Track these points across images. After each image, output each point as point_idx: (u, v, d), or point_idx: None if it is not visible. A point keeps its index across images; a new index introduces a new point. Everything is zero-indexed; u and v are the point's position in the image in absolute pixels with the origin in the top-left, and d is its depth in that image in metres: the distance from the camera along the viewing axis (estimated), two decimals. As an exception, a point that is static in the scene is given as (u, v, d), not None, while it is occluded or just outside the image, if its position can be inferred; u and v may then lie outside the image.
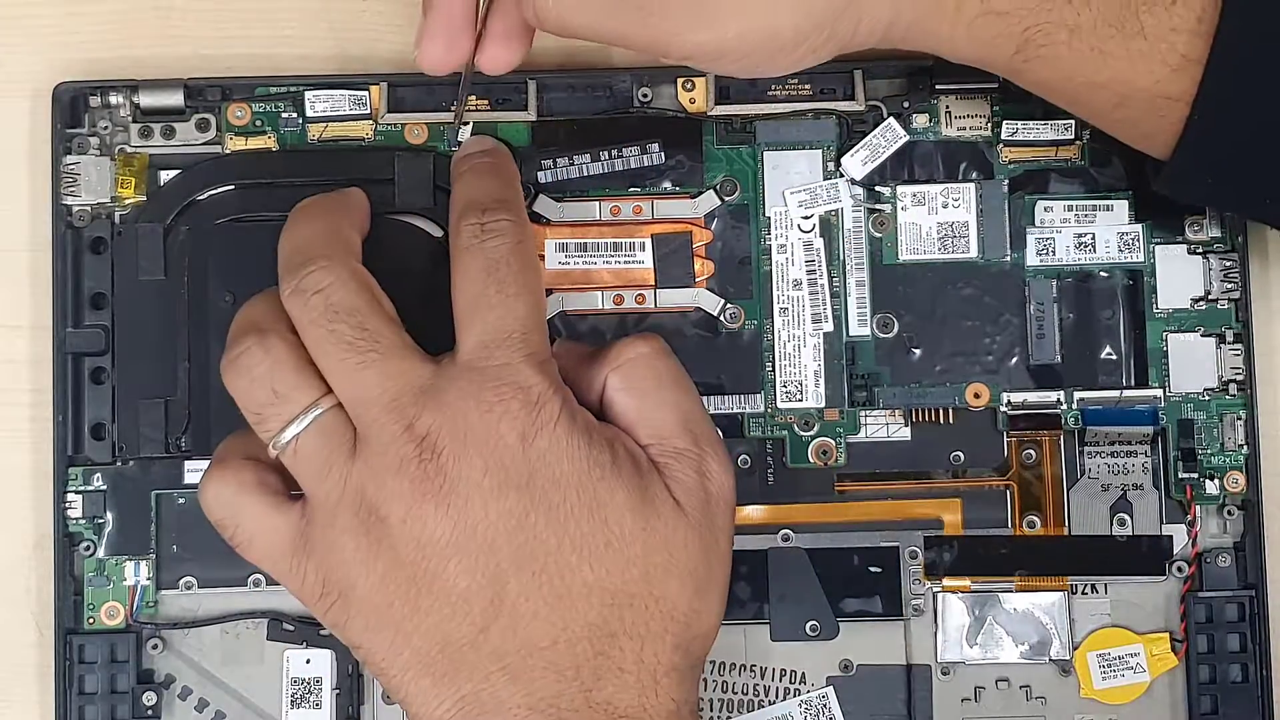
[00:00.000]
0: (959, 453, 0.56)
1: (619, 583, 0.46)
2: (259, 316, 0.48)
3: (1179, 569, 0.56)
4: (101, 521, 0.55)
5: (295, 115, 0.56)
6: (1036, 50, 0.49)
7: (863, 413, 0.56)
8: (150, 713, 0.55)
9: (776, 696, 0.55)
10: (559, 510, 0.45)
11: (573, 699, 0.45)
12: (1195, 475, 0.55)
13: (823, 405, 0.55)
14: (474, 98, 0.56)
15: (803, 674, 0.55)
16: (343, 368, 0.46)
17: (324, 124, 0.56)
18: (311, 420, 0.46)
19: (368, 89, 0.56)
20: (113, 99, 0.56)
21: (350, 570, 0.46)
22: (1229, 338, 0.56)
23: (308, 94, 0.56)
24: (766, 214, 0.56)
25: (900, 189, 0.56)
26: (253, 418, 0.47)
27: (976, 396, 0.55)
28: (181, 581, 0.55)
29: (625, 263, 0.56)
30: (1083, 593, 0.56)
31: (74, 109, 0.56)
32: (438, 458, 0.45)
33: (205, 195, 0.55)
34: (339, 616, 0.46)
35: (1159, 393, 0.55)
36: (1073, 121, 0.56)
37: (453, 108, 0.55)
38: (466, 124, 0.55)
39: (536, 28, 0.49)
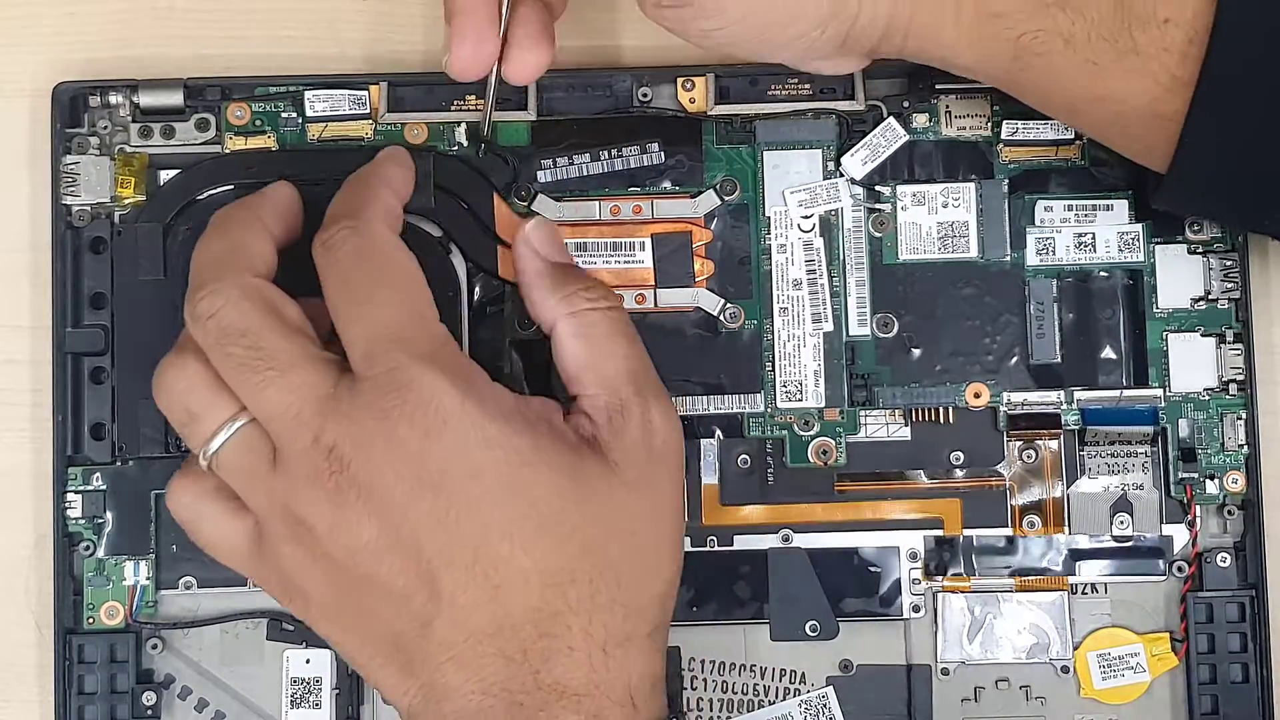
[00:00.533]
0: (959, 453, 0.56)
1: (557, 562, 0.46)
2: (182, 336, 0.49)
3: (1179, 569, 0.56)
4: (101, 521, 0.55)
5: (295, 115, 0.56)
6: (1033, 58, 0.49)
7: (863, 412, 0.56)
8: (150, 713, 0.55)
9: (776, 696, 0.55)
10: (480, 502, 0.45)
11: (523, 681, 0.45)
12: (1195, 475, 0.55)
13: (823, 405, 0.55)
14: (474, 98, 0.56)
15: (803, 674, 0.55)
16: (244, 388, 0.47)
17: (324, 124, 0.56)
18: (228, 437, 0.47)
19: (368, 89, 0.56)
20: (113, 99, 0.56)
21: (296, 576, 0.47)
22: (1229, 337, 0.56)
23: (308, 94, 0.56)
24: (766, 214, 0.56)
25: (900, 189, 0.56)
26: (180, 434, 0.49)
27: (976, 396, 0.55)
28: (181, 581, 0.55)
29: (625, 262, 0.56)
30: (1083, 593, 0.56)
31: (74, 109, 0.56)
32: (347, 468, 0.45)
33: (205, 195, 0.55)
34: (304, 614, 0.48)
35: (1159, 393, 0.55)
36: (1073, 121, 0.56)
37: (478, 103, 0.55)
38: (489, 134, 0.55)
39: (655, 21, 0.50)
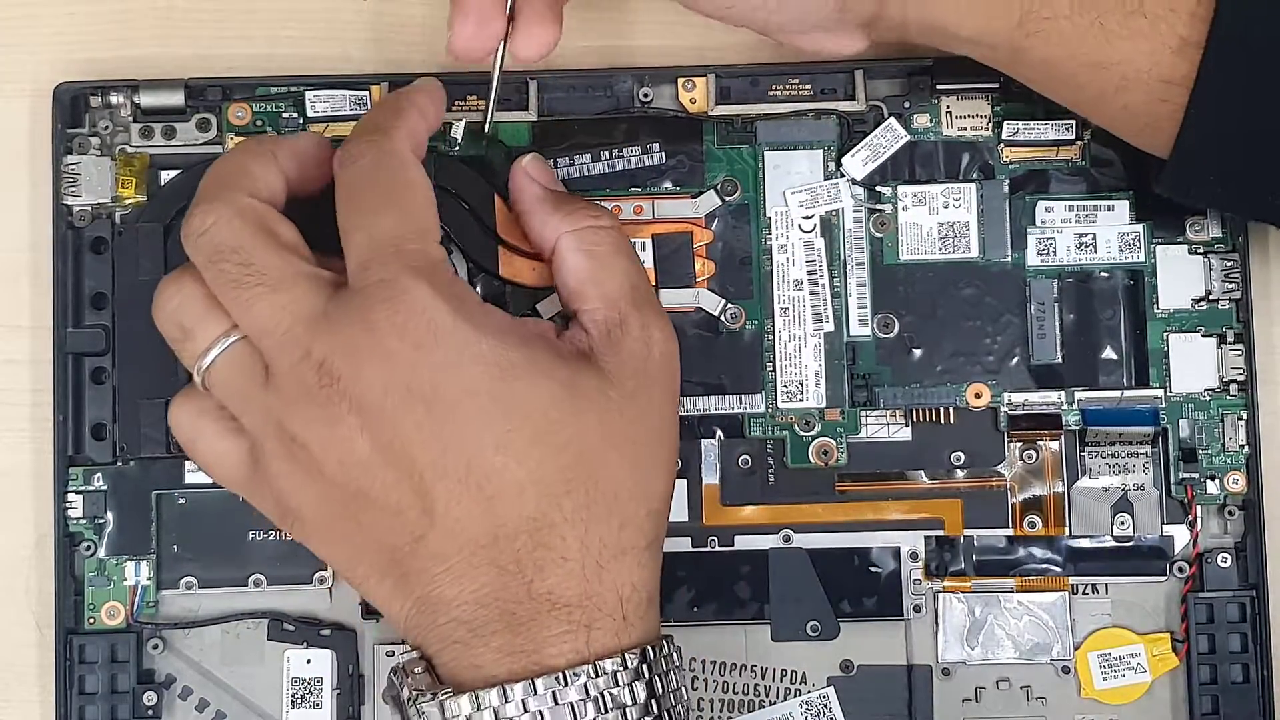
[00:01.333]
0: (959, 453, 0.56)
1: (552, 472, 0.46)
2: (182, 259, 0.49)
3: (1180, 569, 0.56)
4: (102, 521, 0.55)
5: (295, 115, 0.56)
6: (1039, 23, 0.49)
7: (863, 413, 0.56)
8: (150, 713, 0.55)
9: (777, 696, 0.55)
10: (474, 416, 0.45)
11: (516, 591, 0.45)
12: (1196, 475, 0.55)
13: (823, 405, 0.55)
14: (474, 98, 0.56)
15: (803, 674, 0.55)
16: (236, 304, 0.47)
17: (324, 124, 0.56)
18: (219, 353, 0.47)
19: (368, 89, 0.56)
20: (113, 99, 0.56)
21: (291, 495, 0.47)
22: (1229, 338, 0.56)
23: (308, 94, 0.56)
24: (767, 214, 0.56)
25: (901, 189, 0.56)
26: (176, 352, 0.49)
27: (977, 396, 0.55)
28: (182, 581, 0.55)
29: (626, 263, 0.55)
30: (1083, 593, 0.56)
31: (74, 109, 0.56)
32: (338, 381, 0.45)
33: (206, 195, 0.55)
34: (300, 534, 0.48)
35: (1159, 393, 0.55)
36: (1074, 121, 0.56)
37: (478, 103, 0.55)
38: (464, 117, 0.55)
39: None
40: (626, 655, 0.46)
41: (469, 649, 0.46)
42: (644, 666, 0.46)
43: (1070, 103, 0.52)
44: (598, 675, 0.45)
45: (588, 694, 0.45)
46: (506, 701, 0.45)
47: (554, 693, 0.45)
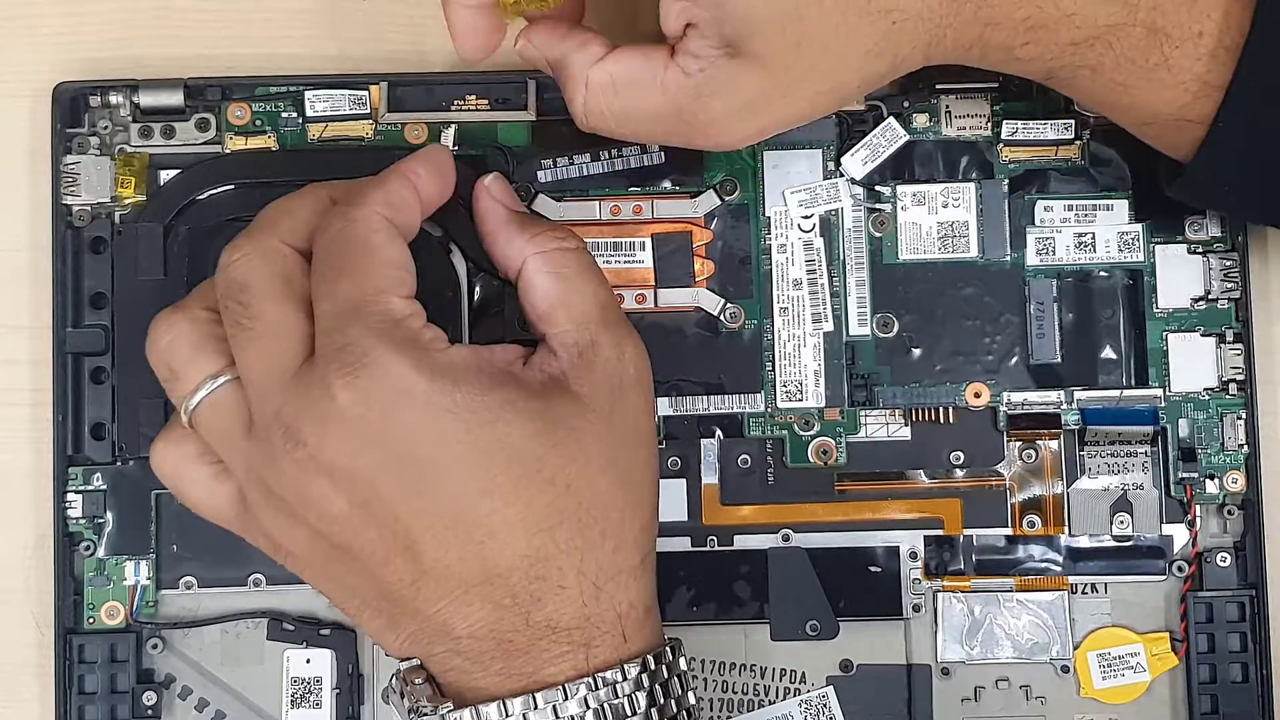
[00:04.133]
0: (959, 453, 0.56)
1: (541, 507, 0.45)
2: (187, 297, 0.49)
3: (1179, 568, 0.56)
4: (101, 521, 0.55)
5: (295, 115, 0.56)
6: (1062, 83, 0.50)
7: (863, 412, 0.56)
8: (150, 712, 0.55)
9: (776, 696, 0.55)
10: (454, 467, 0.45)
11: (513, 623, 0.45)
12: (1195, 475, 0.55)
13: (823, 405, 0.55)
14: (474, 98, 0.56)
15: (803, 674, 0.55)
16: (233, 344, 0.47)
17: (324, 124, 0.56)
18: (205, 395, 0.47)
19: (368, 89, 0.56)
20: (113, 99, 0.56)
21: (280, 537, 0.47)
22: (1229, 337, 0.56)
23: (308, 94, 0.56)
24: (766, 214, 0.56)
25: (900, 188, 0.56)
26: (165, 390, 0.49)
27: (976, 396, 0.55)
28: (181, 581, 0.55)
29: (625, 262, 0.56)
30: (1083, 593, 0.56)
31: (74, 109, 0.56)
32: (305, 445, 0.45)
33: (205, 195, 0.55)
34: (293, 569, 0.48)
35: (1159, 392, 0.55)
36: (1073, 121, 0.56)
37: (479, 103, 0.55)
38: (463, 118, 0.55)
39: (585, 130, 0.51)
40: (626, 666, 0.46)
41: (467, 674, 0.46)
42: (644, 675, 0.46)
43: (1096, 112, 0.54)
44: (598, 687, 0.45)
45: (588, 706, 0.45)
46: (507, 716, 0.45)
47: (554, 706, 0.45)
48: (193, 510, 0.49)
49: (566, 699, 0.45)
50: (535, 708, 0.45)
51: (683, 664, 0.48)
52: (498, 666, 0.46)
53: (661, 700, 0.46)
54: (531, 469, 0.45)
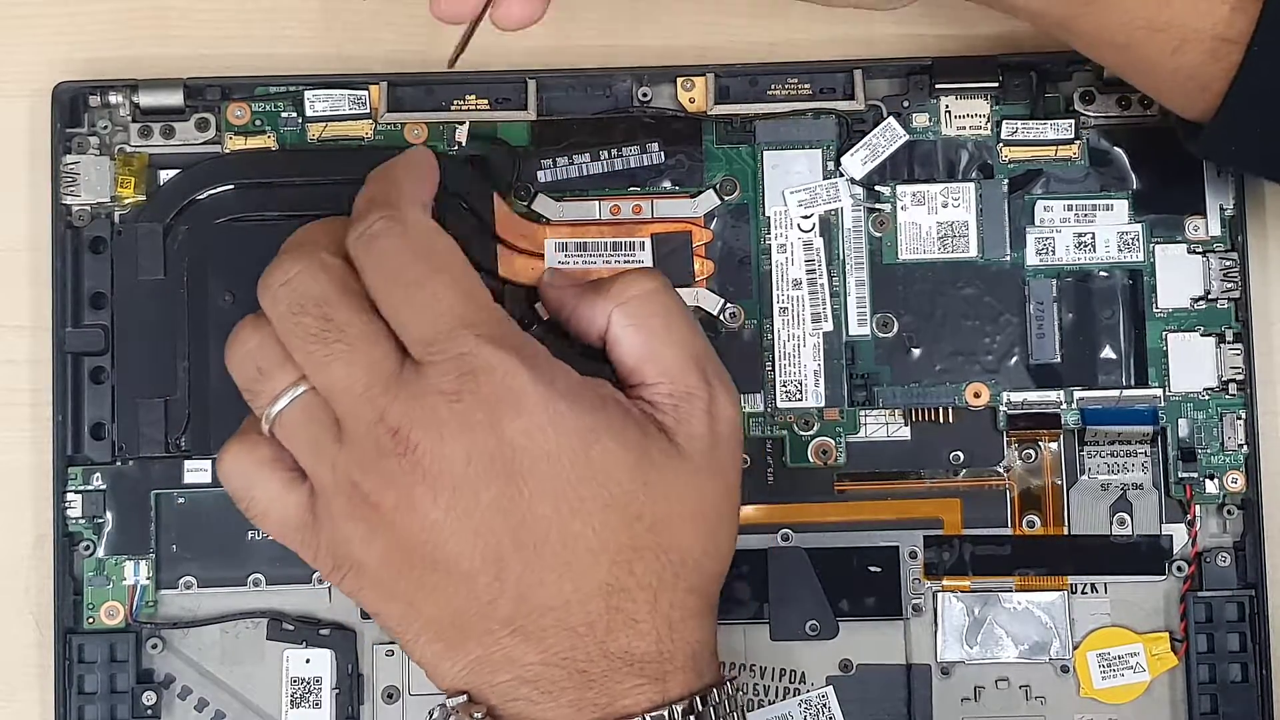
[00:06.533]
0: (959, 453, 0.56)
1: (625, 539, 0.45)
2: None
3: (1179, 569, 0.56)
4: (101, 521, 0.55)
5: (295, 115, 0.56)
6: (1101, 6, 0.49)
7: (862, 412, 0.56)
8: (150, 712, 0.55)
9: (776, 696, 0.55)
10: (552, 482, 0.45)
11: (588, 650, 0.45)
12: (1195, 475, 0.55)
13: (822, 405, 0.55)
14: (473, 97, 0.56)
15: (803, 674, 0.55)
16: (311, 360, 0.46)
17: (323, 124, 0.56)
18: (293, 399, 0.46)
19: (367, 89, 0.56)
20: (113, 99, 0.56)
21: (353, 549, 0.46)
22: (1229, 337, 0.56)
23: (307, 94, 0.56)
24: (766, 213, 0.56)
25: (900, 188, 0.56)
26: (245, 395, 0.47)
27: (976, 396, 0.55)
28: (181, 581, 0.55)
29: (625, 262, 0.56)
30: (1082, 592, 0.56)
31: (74, 109, 0.56)
32: (415, 450, 0.45)
33: (205, 195, 0.55)
34: (353, 587, 0.47)
35: (1159, 392, 0.55)
36: (1072, 121, 0.56)
37: (479, 103, 0.55)
38: (463, 118, 0.55)
39: None
40: (704, 696, 0.45)
41: (535, 704, 0.45)
42: (717, 709, 0.46)
43: (1119, 67, 0.52)
44: (678, 718, 0.45)
45: None
46: None
47: None
48: (253, 518, 0.48)
49: None
50: None
51: (740, 698, 0.48)
52: (569, 697, 0.45)
53: None
54: (621, 500, 0.45)
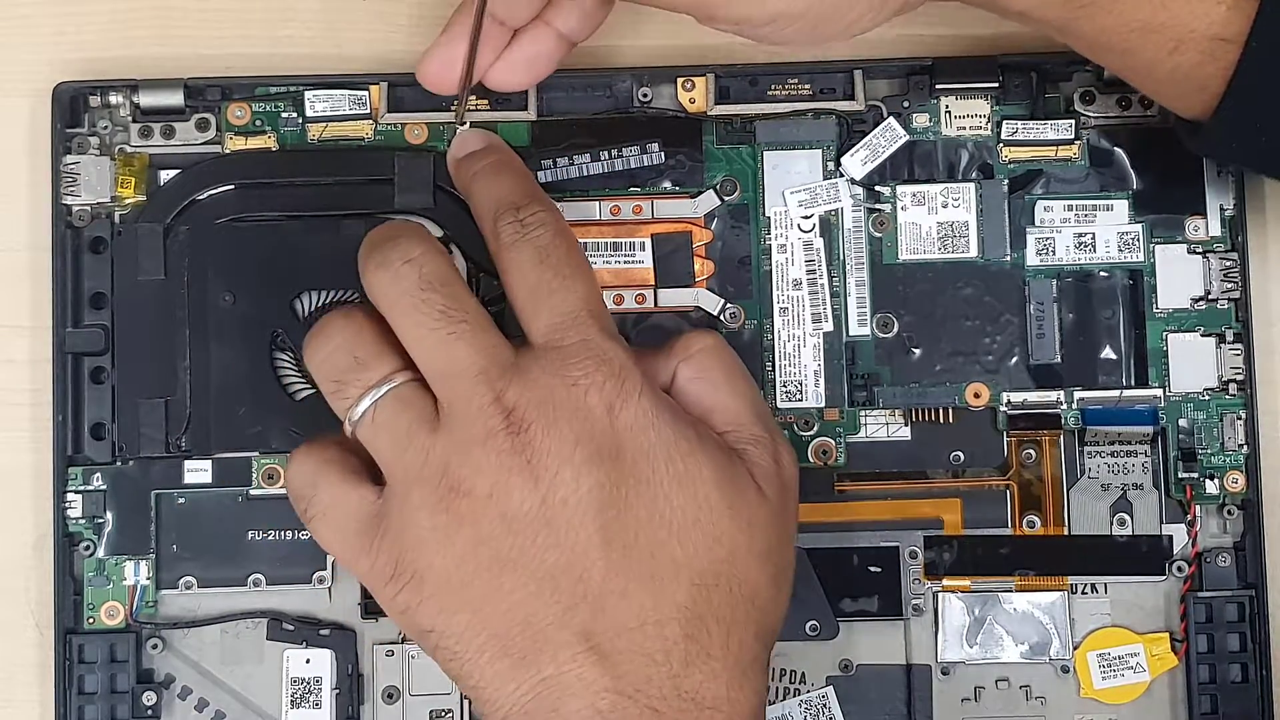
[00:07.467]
0: (959, 453, 0.56)
1: (706, 562, 0.45)
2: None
3: (1179, 569, 0.56)
4: (101, 521, 0.55)
5: (295, 115, 0.56)
6: (1101, 6, 0.49)
7: (862, 412, 0.56)
8: (150, 712, 0.55)
9: (776, 696, 0.55)
10: (649, 483, 0.45)
11: (661, 686, 0.44)
12: (1195, 475, 0.55)
13: (822, 405, 0.55)
14: (474, 98, 0.56)
15: (803, 674, 0.55)
16: (434, 338, 0.46)
17: (324, 124, 0.56)
18: (390, 390, 0.46)
19: (368, 89, 0.56)
20: (113, 99, 0.56)
21: (426, 549, 0.45)
22: (1229, 337, 0.56)
23: (308, 94, 0.56)
24: (766, 214, 0.56)
25: (900, 189, 0.56)
26: (331, 388, 0.47)
27: (976, 396, 0.55)
28: (181, 581, 0.55)
29: (625, 262, 0.56)
30: (1083, 593, 0.56)
31: (74, 109, 0.56)
32: (526, 430, 0.45)
33: (205, 195, 0.55)
34: (411, 599, 0.45)
35: (1159, 393, 0.55)
36: (1073, 121, 0.56)
37: (453, 107, 0.55)
38: (465, 124, 0.55)
39: None
40: None
41: None
42: None
43: (1118, 69, 0.52)
44: None
45: None
46: None
47: None
48: (310, 519, 0.48)
49: None
50: None
51: None
52: None
53: None
54: (708, 518, 0.45)
